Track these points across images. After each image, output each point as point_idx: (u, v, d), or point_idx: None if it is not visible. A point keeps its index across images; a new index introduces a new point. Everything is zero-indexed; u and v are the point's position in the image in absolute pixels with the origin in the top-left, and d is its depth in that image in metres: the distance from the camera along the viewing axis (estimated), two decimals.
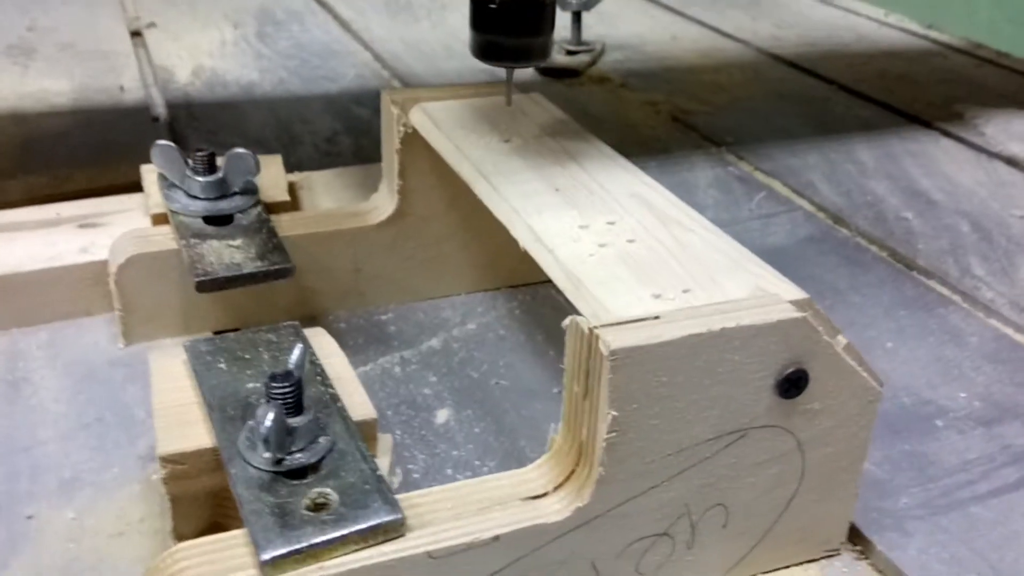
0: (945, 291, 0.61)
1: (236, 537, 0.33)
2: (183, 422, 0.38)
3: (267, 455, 0.33)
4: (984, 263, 0.65)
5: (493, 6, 0.48)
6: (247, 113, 0.83)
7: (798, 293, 0.36)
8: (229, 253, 0.49)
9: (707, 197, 0.72)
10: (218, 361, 0.40)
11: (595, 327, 0.33)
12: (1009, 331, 0.57)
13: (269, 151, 0.62)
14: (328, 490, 0.34)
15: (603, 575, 0.36)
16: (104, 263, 0.53)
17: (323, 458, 0.35)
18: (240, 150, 0.52)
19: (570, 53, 0.99)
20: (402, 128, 0.52)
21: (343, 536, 0.32)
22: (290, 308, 0.54)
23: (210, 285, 0.47)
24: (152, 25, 1.05)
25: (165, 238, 0.51)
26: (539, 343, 0.54)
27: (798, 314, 0.34)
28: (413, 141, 0.52)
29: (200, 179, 0.52)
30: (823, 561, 0.41)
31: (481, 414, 0.48)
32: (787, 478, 0.37)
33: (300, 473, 0.34)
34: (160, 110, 0.83)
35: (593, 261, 0.38)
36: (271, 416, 0.33)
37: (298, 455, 0.34)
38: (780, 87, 0.97)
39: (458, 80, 0.93)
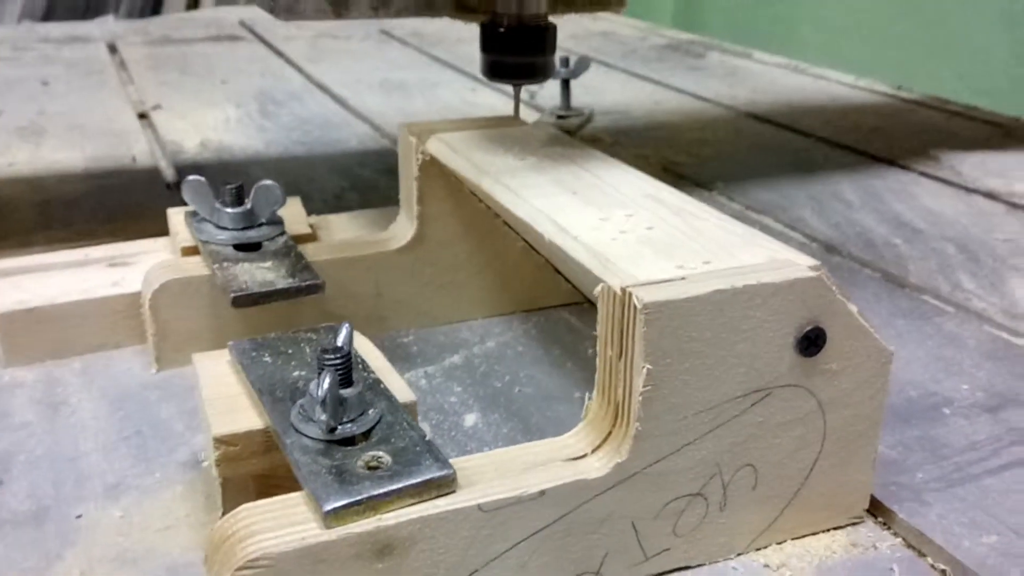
0: (938, 303, 0.64)
1: (295, 498, 0.34)
2: (233, 408, 0.39)
3: (323, 418, 0.35)
4: (973, 279, 0.68)
5: (501, 30, 0.52)
6: (256, 176, 0.86)
7: (811, 260, 0.38)
8: (261, 273, 0.51)
9: None
10: (262, 356, 0.42)
11: (627, 287, 0.35)
12: (1004, 334, 0.60)
13: None
14: (381, 453, 0.35)
15: (642, 535, 0.38)
16: (135, 296, 0.55)
17: (372, 428, 0.37)
18: (267, 182, 0.55)
19: (560, 118, 1.04)
20: (420, 156, 0.55)
21: (399, 489, 0.33)
22: None
23: (245, 300, 0.49)
24: (158, 107, 1.09)
25: (196, 265, 0.53)
26: (556, 357, 0.56)
27: (813, 274, 0.37)
28: (430, 169, 0.55)
29: (229, 210, 0.55)
30: (849, 528, 0.42)
31: (507, 416, 0.50)
32: (810, 440, 0.39)
33: (351, 442, 0.36)
34: (171, 177, 0.86)
35: (616, 243, 0.40)
36: (328, 381, 0.35)
37: (349, 425, 0.36)
38: (761, 140, 1.02)
39: None
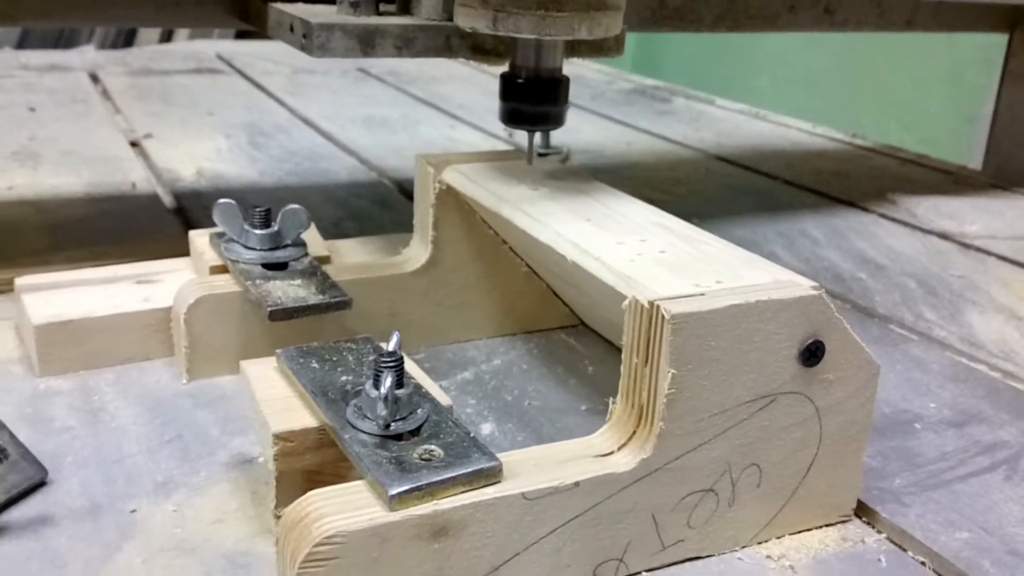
0: (904, 331, 0.70)
1: (356, 486, 0.38)
2: (288, 408, 0.43)
3: (383, 414, 0.39)
4: (933, 311, 0.74)
5: (520, 80, 0.57)
6: (254, 203, 0.90)
7: (810, 281, 0.43)
8: (293, 290, 0.55)
9: None
10: (310, 362, 0.45)
11: (655, 300, 0.40)
12: (963, 360, 0.66)
13: None
14: (433, 447, 0.39)
15: (661, 526, 0.42)
16: (164, 311, 0.58)
17: (421, 426, 0.40)
18: (294, 206, 0.59)
19: (541, 155, 1.08)
20: (437, 185, 0.59)
21: (453, 477, 0.37)
22: None
23: (281, 314, 0.52)
24: (149, 136, 1.12)
25: (227, 283, 0.57)
26: (560, 374, 0.60)
27: (815, 292, 0.42)
28: (446, 197, 0.60)
29: (258, 232, 0.58)
30: (839, 525, 0.47)
31: (521, 426, 0.54)
32: (808, 442, 0.44)
33: (401, 437, 0.40)
34: (170, 203, 0.89)
35: (635, 264, 0.45)
36: (389, 380, 0.38)
37: (400, 422, 0.40)
38: (730, 181, 1.08)
39: None
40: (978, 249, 0.89)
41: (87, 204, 0.87)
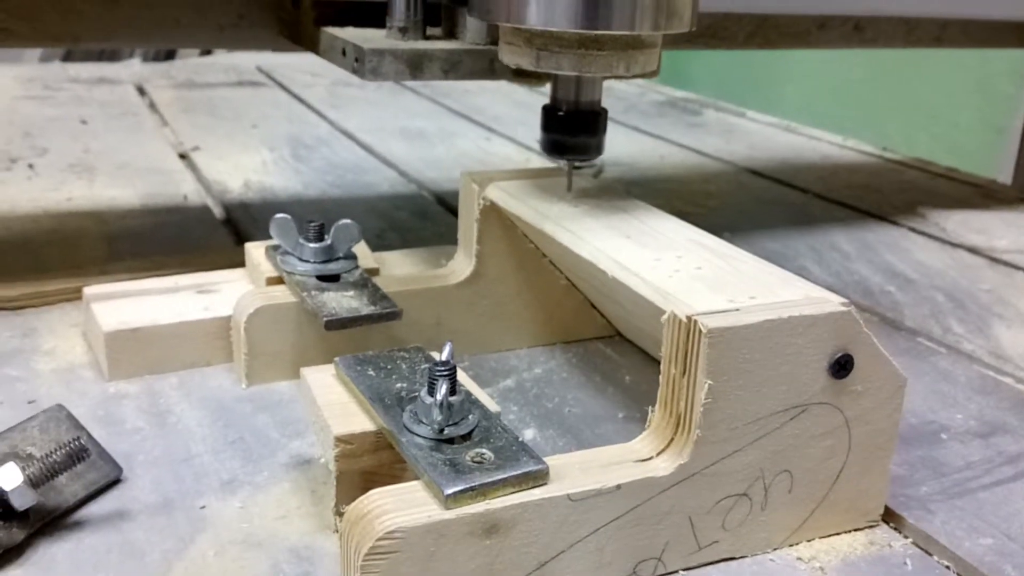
0: (932, 344, 0.72)
1: (413, 486, 0.41)
2: (347, 412, 0.46)
3: (438, 419, 0.42)
4: (962, 324, 0.76)
5: (561, 113, 0.60)
6: (302, 216, 0.93)
7: (841, 298, 0.46)
8: (346, 301, 0.58)
9: None
10: (367, 370, 0.48)
11: (693, 315, 0.42)
12: (991, 373, 0.68)
13: None
14: (484, 450, 0.42)
15: (697, 528, 0.45)
16: (224, 320, 0.61)
17: (472, 431, 0.43)
18: (346, 221, 0.62)
19: (575, 167, 1.11)
20: (481, 201, 0.62)
21: (504, 479, 0.40)
22: None
23: (336, 324, 0.56)
24: (197, 149, 1.16)
25: (284, 294, 0.60)
26: (598, 383, 0.63)
27: (844, 308, 0.44)
28: (489, 213, 0.63)
29: (312, 245, 0.62)
30: (867, 530, 0.49)
31: (562, 432, 0.57)
32: (838, 451, 0.46)
33: (453, 441, 0.43)
34: (221, 214, 0.93)
35: (673, 280, 0.48)
36: (445, 387, 0.41)
37: (453, 427, 0.43)
38: (762, 194, 1.10)
39: None
40: (1007, 263, 0.90)
41: (142, 215, 0.91)
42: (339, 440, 0.45)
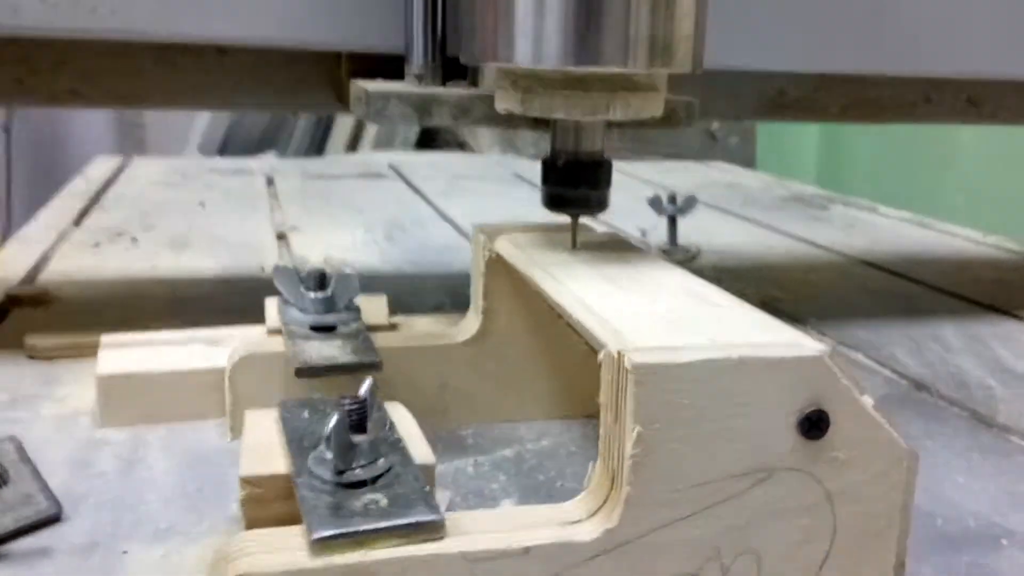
0: (1023, 443, 0.61)
1: (295, 529, 0.36)
2: (266, 455, 0.43)
3: (329, 457, 0.38)
4: None
5: (560, 164, 0.56)
6: (365, 288, 0.92)
7: (822, 344, 0.39)
8: (328, 350, 0.55)
9: None
10: (303, 412, 0.45)
11: (623, 350, 0.37)
12: None
13: None
14: (380, 496, 0.37)
15: None
16: (220, 371, 0.59)
17: (381, 476, 0.39)
18: (347, 271, 0.60)
19: (665, 252, 1.06)
20: (487, 252, 0.59)
21: (387, 528, 0.35)
22: None
23: (307, 372, 0.53)
24: (295, 229, 1.19)
25: (275, 343, 0.58)
26: None
27: (814, 352, 0.37)
28: (497, 266, 0.59)
29: (311, 295, 0.59)
30: None
31: (544, 502, 0.51)
32: (819, 533, 0.39)
33: (358, 486, 0.38)
34: None
35: (633, 319, 0.42)
36: (335, 419, 0.37)
37: (358, 470, 0.39)
38: (868, 285, 1.01)
39: None
40: None
41: (214, 283, 0.92)
42: (245, 482, 0.41)
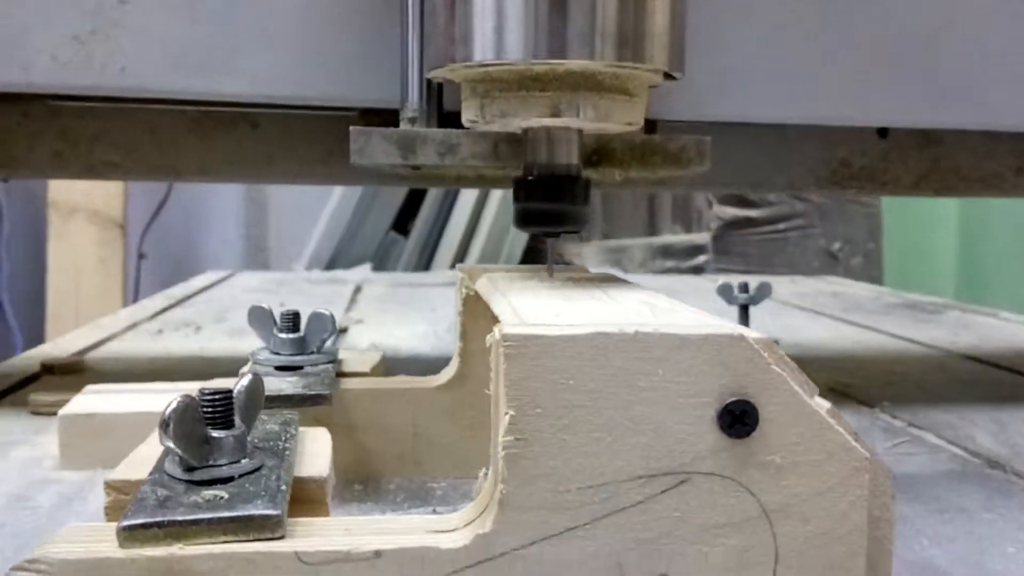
0: None
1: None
2: (144, 462, 0.38)
3: (168, 443, 0.33)
4: None
5: (530, 178, 0.51)
6: (403, 369, 0.89)
7: (743, 328, 0.32)
8: (280, 384, 0.51)
9: None
10: None
11: (503, 328, 0.31)
12: None
13: None
14: (224, 491, 0.32)
15: None
16: None
17: (239, 476, 0.34)
18: (322, 311, 0.56)
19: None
20: (464, 291, 0.54)
21: (209, 519, 0.30)
22: (347, 467, 0.54)
23: None
24: (360, 321, 1.17)
25: None
26: None
27: (732, 332, 0.31)
28: (474, 306, 0.54)
29: (283, 336, 0.56)
30: None
31: None
32: (756, 556, 0.31)
33: (212, 484, 0.33)
34: None
35: (548, 312, 0.36)
36: (174, 404, 0.33)
37: (214, 469, 0.34)
38: (960, 376, 0.90)
39: None
40: None
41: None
42: (108, 487, 0.37)
